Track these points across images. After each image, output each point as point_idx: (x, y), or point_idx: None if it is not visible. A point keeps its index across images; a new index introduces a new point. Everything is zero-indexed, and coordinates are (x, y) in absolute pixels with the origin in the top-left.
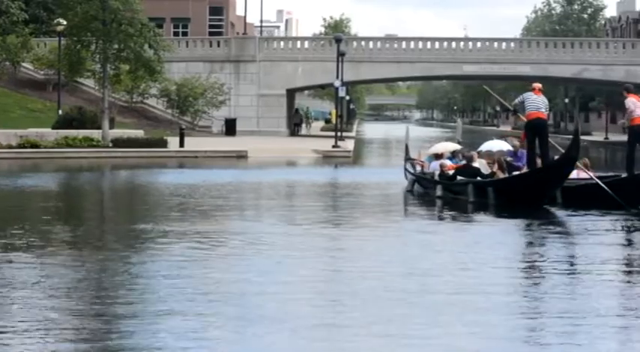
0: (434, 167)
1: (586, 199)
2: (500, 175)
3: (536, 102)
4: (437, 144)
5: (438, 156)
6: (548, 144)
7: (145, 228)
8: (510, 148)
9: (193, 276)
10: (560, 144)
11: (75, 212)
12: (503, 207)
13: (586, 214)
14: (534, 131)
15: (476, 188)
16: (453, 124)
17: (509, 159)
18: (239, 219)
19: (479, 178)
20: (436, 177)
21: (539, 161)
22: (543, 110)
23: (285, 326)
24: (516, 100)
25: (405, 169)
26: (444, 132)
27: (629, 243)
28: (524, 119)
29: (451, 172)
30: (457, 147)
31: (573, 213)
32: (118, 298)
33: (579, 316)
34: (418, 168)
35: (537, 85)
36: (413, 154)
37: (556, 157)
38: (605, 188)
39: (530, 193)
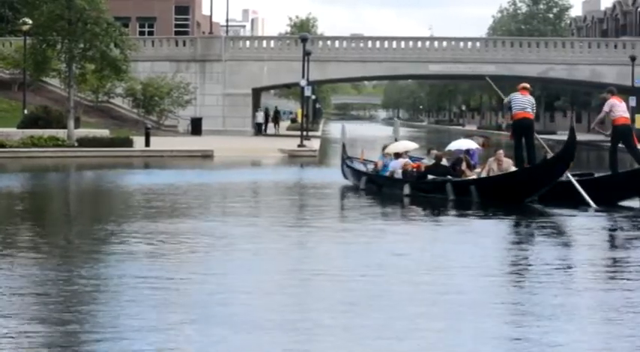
0: (394, 166)
1: (563, 196)
2: (469, 173)
3: (523, 103)
4: (396, 143)
5: (397, 155)
6: (535, 144)
7: (109, 229)
8: (479, 147)
9: (157, 277)
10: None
11: (37, 213)
12: (487, 204)
13: (573, 214)
14: (521, 131)
15: (455, 186)
16: (419, 124)
17: (463, 156)
18: (204, 219)
19: (449, 176)
20: (397, 176)
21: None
22: (529, 110)
23: (251, 327)
24: (505, 101)
25: (348, 167)
26: (409, 131)
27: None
28: (510, 119)
29: (410, 170)
30: (416, 146)
31: (558, 211)
32: (81, 301)
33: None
34: (367, 167)
35: (524, 85)
36: (354, 153)
37: (549, 156)
38: (577, 185)
39: (520, 191)
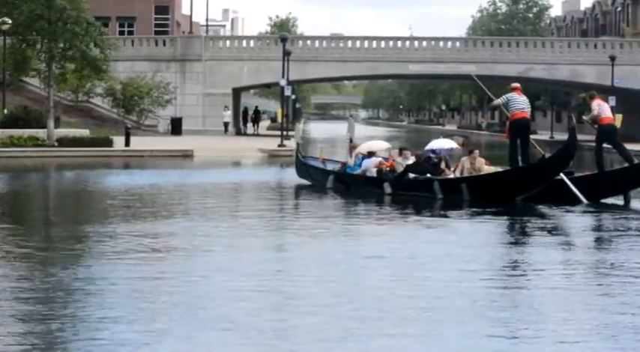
0: (367, 165)
1: (549, 194)
2: (447, 172)
3: (520, 103)
4: (369, 142)
5: (370, 154)
6: (529, 144)
7: (89, 230)
8: (458, 146)
9: (140, 278)
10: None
11: (16, 214)
12: (478, 203)
13: (567, 211)
14: (518, 130)
15: (444, 185)
16: (399, 123)
17: (432, 156)
18: (184, 220)
19: (429, 175)
20: (370, 174)
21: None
22: (526, 110)
23: (234, 328)
24: (499, 101)
25: (306, 166)
26: (388, 131)
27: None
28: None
29: (385, 169)
30: (388, 145)
31: (547, 210)
32: (59, 303)
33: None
34: (325, 165)
35: (517, 85)
36: (312, 153)
37: (548, 155)
38: (569, 184)
39: (513, 190)
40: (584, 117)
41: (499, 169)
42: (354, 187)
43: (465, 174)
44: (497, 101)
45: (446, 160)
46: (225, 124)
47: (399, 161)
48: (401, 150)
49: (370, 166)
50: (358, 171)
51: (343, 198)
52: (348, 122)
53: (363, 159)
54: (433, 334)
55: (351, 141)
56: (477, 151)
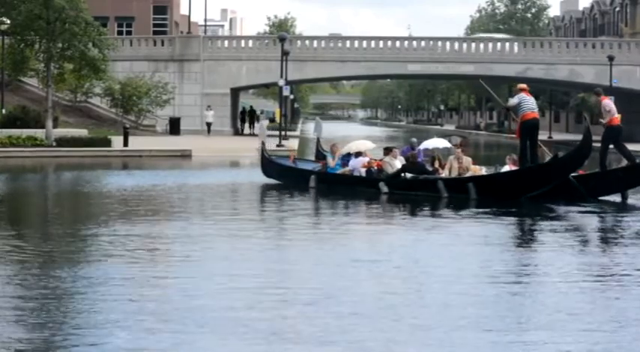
0: (354, 164)
1: (552, 193)
2: (441, 171)
3: (530, 103)
4: (356, 142)
5: (357, 154)
6: (537, 144)
7: (88, 232)
8: (451, 146)
9: (133, 278)
10: (511, 145)
11: (15, 215)
12: (485, 202)
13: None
14: (529, 130)
15: (449, 184)
16: (397, 123)
17: (411, 152)
18: (181, 222)
19: (424, 174)
20: (357, 174)
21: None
22: (536, 110)
23: (226, 330)
24: (513, 102)
25: (275, 165)
26: (385, 131)
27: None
28: (518, 119)
29: (372, 168)
30: (374, 146)
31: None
32: (56, 302)
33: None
34: (297, 165)
35: (524, 86)
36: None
37: (560, 154)
38: (574, 182)
39: (522, 188)
40: (602, 121)
41: (483, 169)
42: (341, 187)
43: (454, 173)
44: (512, 102)
45: (440, 159)
46: (208, 125)
47: (388, 160)
48: (390, 149)
49: (358, 166)
50: (344, 171)
51: (341, 198)
52: (315, 122)
53: (342, 158)
54: (456, 340)
55: (318, 140)
56: (459, 150)
